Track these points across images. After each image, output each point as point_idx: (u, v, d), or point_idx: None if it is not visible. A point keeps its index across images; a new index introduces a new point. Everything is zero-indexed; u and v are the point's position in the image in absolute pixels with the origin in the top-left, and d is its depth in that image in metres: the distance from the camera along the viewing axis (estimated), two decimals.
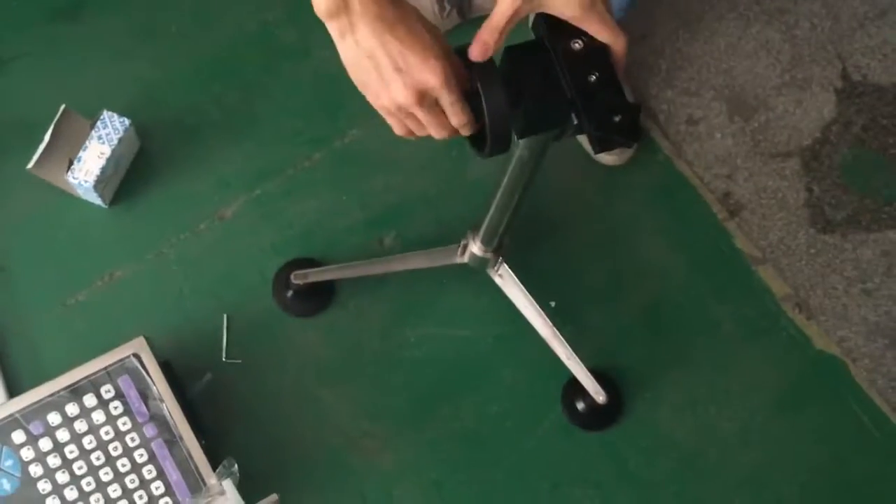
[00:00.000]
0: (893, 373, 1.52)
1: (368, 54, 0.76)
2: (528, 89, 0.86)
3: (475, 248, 1.34)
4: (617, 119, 0.82)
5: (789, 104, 1.69)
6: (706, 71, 1.70)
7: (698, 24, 1.74)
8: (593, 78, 0.83)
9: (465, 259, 1.38)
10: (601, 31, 0.81)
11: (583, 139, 1.54)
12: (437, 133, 0.84)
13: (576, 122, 0.87)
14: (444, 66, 0.77)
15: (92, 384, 1.20)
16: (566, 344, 1.38)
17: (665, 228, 1.57)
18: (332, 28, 0.75)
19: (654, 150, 1.62)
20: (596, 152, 0.82)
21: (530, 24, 0.87)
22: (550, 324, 1.39)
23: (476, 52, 0.79)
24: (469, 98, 0.85)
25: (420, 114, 0.81)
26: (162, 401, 1.21)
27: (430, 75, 0.77)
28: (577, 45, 0.84)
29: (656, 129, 1.64)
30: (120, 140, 1.40)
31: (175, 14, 1.60)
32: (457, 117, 0.82)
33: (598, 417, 1.43)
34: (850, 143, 1.67)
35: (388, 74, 0.77)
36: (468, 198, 1.52)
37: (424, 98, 0.79)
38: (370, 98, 0.80)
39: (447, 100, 0.80)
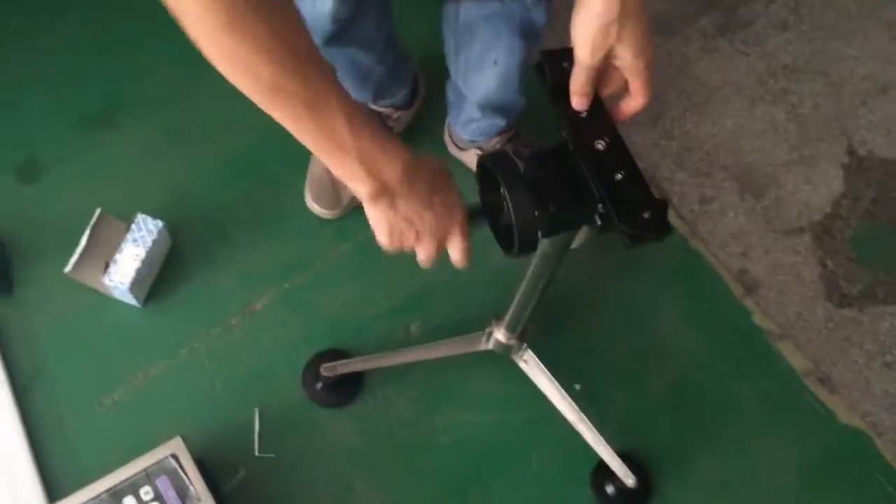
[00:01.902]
0: None
1: (406, 221, 0.82)
2: (554, 192, 0.91)
3: (499, 335, 1.37)
4: (647, 215, 0.85)
5: (798, 181, 1.74)
6: (716, 151, 1.75)
7: (705, 106, 1.80)
8: (619, 176, 0.86)
9: (490, 346, 1.41)
10: (645, 86, 0.85)
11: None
12: (429, 262, 0.90)
13: (599, 222, 0.91)
14: (465, 223, 0.87)
15: (131, 486, 1.22)
16: (593, 427, 1.40)
17: (684, 307, 1.61)
18: (371, 204, 0.80)
19: (671, 233, 1.66)
20: (628, 248, 0.85)
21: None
22: (576, 407, 1.41)
23: (580, 104, 0.86)
24: (493, 208, 0.89)
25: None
26: (199, 500, 1.23)
27: (456, 234, 0.87)
28: (601, 145, 0.88)
29: (670, 210, 1.68)
30: (154, 242, 1.45)
31: (202, 115, 1.67)
32: (462, 256, 0.90)
33: (629, 501, 1.44)
34: (861, 217, 1.71)
35: (423, 236, 0.84)
36: (491, 284, 1.56)
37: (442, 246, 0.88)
38: (390, 244, 0.85)
39: (460, 246, 0.88)
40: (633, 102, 0.87)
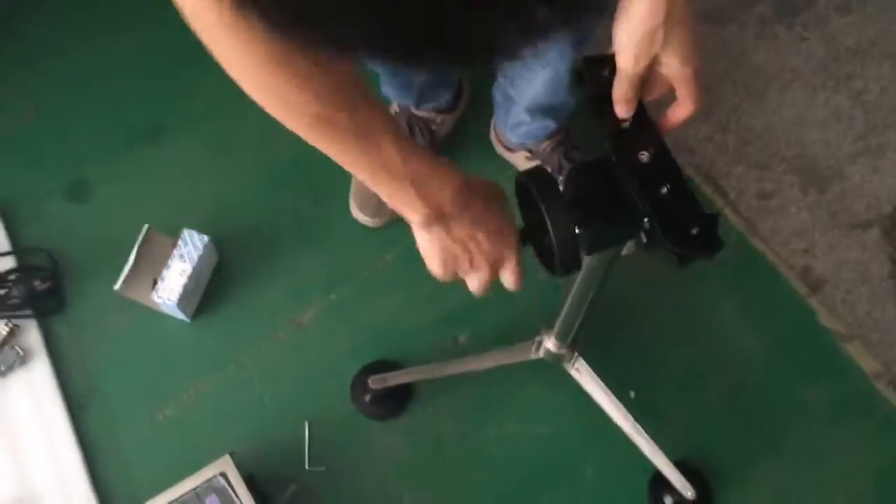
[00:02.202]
0: None
1: (460, 245, 0.79)
2: (596, 208, 0.87)
3: (550, 344, 1.34)
4: (694, 231, 0.79)
5: (865, 172, 1.65)
6: (775, 143, 1.67)
7: (763, 96, 1.72)
8: (665, 190, 0.81)
9: (541, 355, 1.37)
10: (694, 93, 0.80)
11: None
12: (484, 290, 0.87)
13: (645, 239, 0.86)
14: (519, 244, 0.84)
15: None
16: (649, 438, 1.35)
17: (744, 309, 1.54)
18: (424, 229, 0.78)
19: (727, 228, 1.59)
20: (678, 267, 0.80)
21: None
22: (631, 417, 1.36)
23: (623, 111, 0.81)
24: (534, 226, 0.85)
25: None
26: None
27: (510, 258, 0.84)
28: (645, 156, 0.83)
29: (728, 207, 1.61)
30: (200, 257, 1.45)
31: (244, 128, 1.66)
32: (516, 279, 0.87)
33: None
34: None
35: (477, 260, 0.82)
36: (540, 291, 1.50)
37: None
38: (444, 272, 0.82)
39: (513, 269, 0.85)
40: (682, 110, 0.82)
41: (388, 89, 1.51)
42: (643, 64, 0.77)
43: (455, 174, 0.76)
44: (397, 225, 1.59)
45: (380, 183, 0.73)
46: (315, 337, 1.51)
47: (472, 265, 0.82)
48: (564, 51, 1.26)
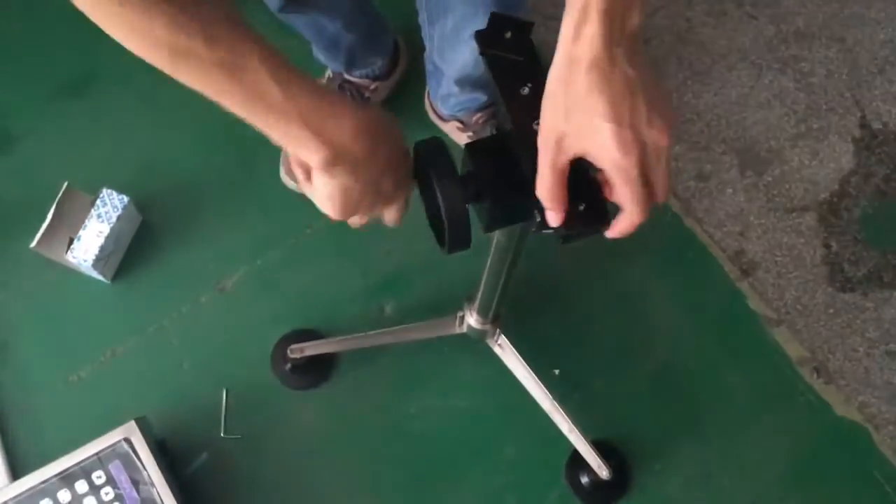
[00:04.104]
0: None
1: (364, 188, 0.73)
2: (491, 185, 0.84)
3: (472, 319, 1.32)
4: (581, 208, 0.74)
5: (805, 156, 1.63)
6: (716, 124, 1.65)
7: (708, 74, 1.70)
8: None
9: (464, 330, 1.36)
10: (637, 195, 0.66)
11: None
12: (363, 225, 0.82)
13: (539, 217, 0.84)
14: (413, 186, 0.81)
15: (83, 470, 1.20)
16: (567, 417, 1.34)
17: (674, 289, 1.53)
18: (325, 173, 0.69)
19: (662, 208, 1.57)
20: (561, 244, 0.76)
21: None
22: (550, 396, 1.35)
23: (556, 220, 0.72)
24: (429, 196, 0.83)
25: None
26: (153, 485, 1.21)
27: (402, 198, 0.80)
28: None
29: None
30: (119, 218, 1.41)
31: (175, 84, 1.61)
32: (399, 218, 0.83)
33: (603, 492, 1.38)
34: (871, 196, 1.61)
35: (376, 205, 0.77)
36: (468, 263, 1.48)
37: None
38: (343, 215, 0.76)
39: (401, 208, 0.81)
40: (621, 222, 0.70)
41: (317, 53, 1.47)
42: (550, 144, 0.67)
43: (353, 109, 0.68)
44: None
45: (265, 121, 0.66)
46: (238, 303, 1.48)
47: (369, 209, 0.77)
48: None
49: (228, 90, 0.64)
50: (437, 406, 1.44)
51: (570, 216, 0.73)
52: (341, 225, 1.58)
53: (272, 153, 1.56)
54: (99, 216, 1.41)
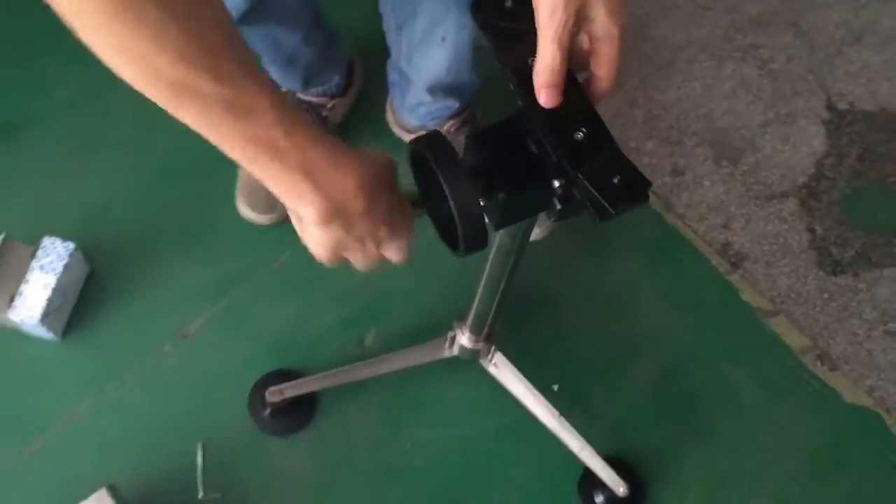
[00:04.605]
0: None
1: (359, 239, 0.67)
2: (502, 176, 0.75)
3: (464, 339, 1.23)
4: (616, 180, 0.67)
5: (777, 142, 1.60)
6: (685, 117, 1.61)
7: (670, 68, 1.66)
8: (580, 135, 0.69)
9: (455, 352, 1.27)
10: (615, 60, 0.69)
11: None
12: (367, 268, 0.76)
13: (559, 205, 0.76)
14: (414, 226, 0.74)
15: None
16: (576, 433, 1.26)
17: (665, 289, 1.46)
18: (320, 227, 0.64)
19: (644, 208, 1.51)
20: (598, 222, 0.68)
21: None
22: (556, 412, 1.27)
23: (549, 101, 0.68)
24: (433, 200, 0.74)
25: None
26: None
27: (404, 238, 0.73)
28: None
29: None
30: (65, 267, 1.28)
31: (115, 122, 1.50)
32: (403, 257, 0.75)
33: None
34: (848, 176, 1.58)
35: (372, 250, 0.70)
36: (450, 282, 1.41)
37: None
38: (332, 261, 0.70)
39: (403, 248, 0.74)
40: (600, 85, 0.70)
41: (271, 71, 1.38)
42: (566, 15, 0.64)
43: (357, 163, 0.63)
44: (291, 221, 1.45)
45: (265, 171, 0.60)
46: (206, 348, 1.36)
47: (364, 255, 0.70)
48: (464, 19, 1.15)
49: (230, 132, 0.57)
50: (433, 437, 1.33)
51: (608, 191, 0.66)
52: (308, 255, 1.48)
53: (227, 184, 1.46)
54: (42, 267, 1.28)
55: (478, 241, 0.75)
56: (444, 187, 0.70)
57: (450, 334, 1.25)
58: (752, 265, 1.49)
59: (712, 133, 1.60)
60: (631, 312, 1.44)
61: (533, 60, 0.70)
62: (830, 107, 1.64)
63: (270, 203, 1.42)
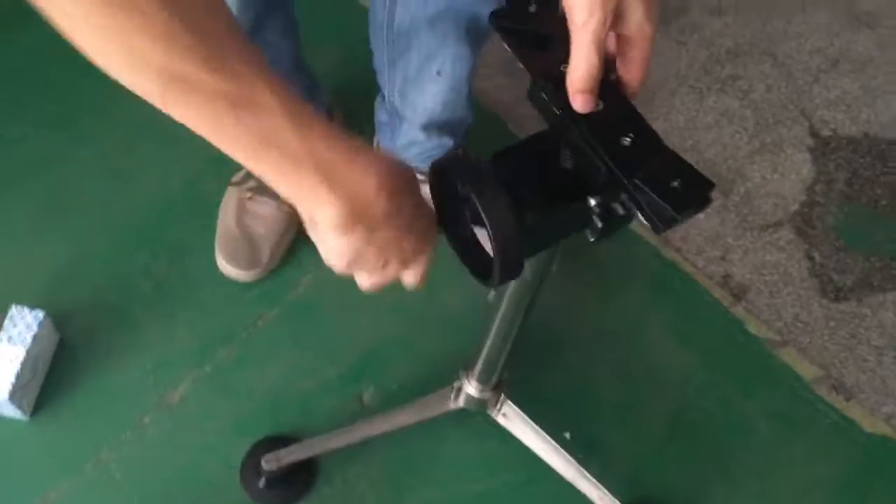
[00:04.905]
0: None
1: (379, 250, 0.61)
2: (535, 194, 0.69)
3: (471, 388, 1.15)
4: (675, 184, 0.61)
5: (765, 171, 1.58)
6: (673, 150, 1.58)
7: (652, 103, 1.64)
8: (627, 141, 0.63)
9: (461, 404, 1.19)
10: (645, 62, 0.64)
11: None
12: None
13: (600, 223, 0.70)
14: (435, 242, 0.68)
15: None
16: (595, 481, 1.18)
17: (670, 325, 1.41)
18: (340, 234, 0.58)
19: (639, 244, 1.47)
20: (659, 232, 0.62)
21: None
22: (573, 461, 1.19)
23: (586, 106, 0.63)
24: (456, 227, 0.68)
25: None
26: None
27: (424, 257, 0.66)
28: (596, 104, 0.64)
29: (635, 221, 1.49)
30: (35, 338, 1.18)
31: (83, 182, 1.42)
32: (421, 280, 0.68)
33: None
34: (839, 201, 1.56)
35: (392, 266, 0.64)
36: (450, 329, 1.34)
37: None
38: (344, 271, 0.63)
39: (423, 269, 0.68)
40: (627, 89, 0.65)
41: None
42: (602, 15, 0.59)
43: (377, 160, 0.57)
44: (275, 275, 1.37)
45: (275, 173, 0.54)
46: (190, 417, 1.26)
47: (382, 271, 0.63)
48: (461, 52, 1.10)
49: (232, 129, 0.51)
50: (442, 497, 1.25)
51: (670, 196, 0.60)
52: (298, 311, 1.40)
53: (204, 240, 1.37)
54: (10, 339, 1.17)
55: (516, 271, 0.68)
56: (481, 211, 0.64)
57: (455, 385, 1.17)
58: (754, 296, 1.45)
59: (701, 165, 1.56)
60: (637, 351, 1.38)
61: (565, 66, 0.65)
62: (814, 133, 1.63)
63: (252, 257, 1.34)
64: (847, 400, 1.37)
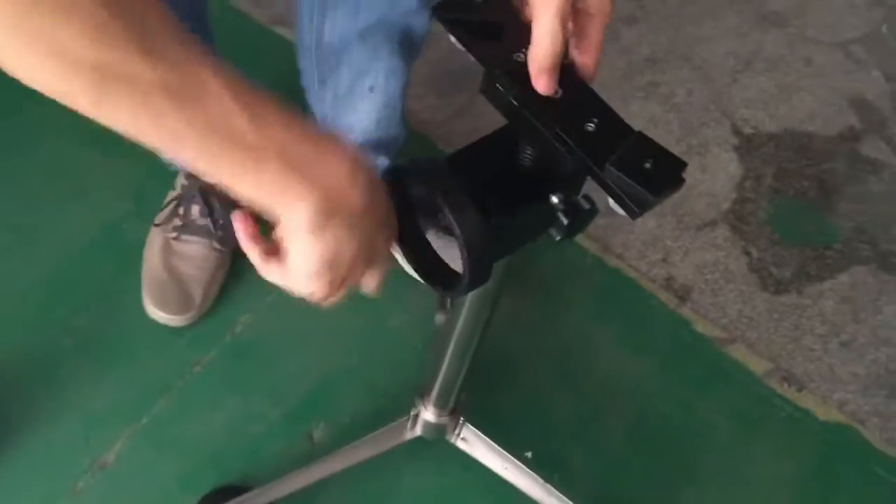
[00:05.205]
0: None
1: (355, 252, 0.55)
2: (493, 197, 0.66)
3: (428, 414, 1.11)
4: (648, 166, 0.59)
5: (695, 171, 1.59)
6: None
7: None
8: (592, 126, 0.61)
9: (418, 432, 1.14)
10: (601, 37, 0.62)
11: None
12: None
13: (565, 219, 0.67)
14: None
15: None
16: (566, 499, 1.15)
17: (620, 333, 1.39)
18: (316, 232, 0.52)
19: (581, 253, 1.46)
20: (635, 217, 0.59)
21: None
22: (540, 479, 1.15)
23: (549, 86, 0.59)
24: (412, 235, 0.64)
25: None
26: None
27: (384, 260, 0.61)
28: (555, 91, 0.61)
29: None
30: None
31: None
32: (379, 285, 0.63)
33: None
34: (769, 196, 1.58)
35: (359, 271, 0.58)
36: (398, 356, 1.30)
37: None
38: (328, 292, 0.57)
39: (382, 273, 0.62)
40: (583, 73, 0.62)
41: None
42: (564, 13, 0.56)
43: (343, 145, 0.51)
44: (210, 317, 1.30)
45: (230, 168, 0.47)
46: (129, 477, 1.17)
47: (355, 276, 0.58)
48: (394, 66, 1.07)
49: (177, 126, 0.45)
50: None
51: (645, 178, 0.57)
52: (237, 352, 1.33)
53: (129, 288, 1.29)
54: None
55: (485, 276, 0.65)
56: (450, 215, 0.60)
57: (412, 412, 1.12)
58: (698, 296, 1.45)
59: None
60: (590, 363, 1.36)
61: (519, 55, 0.62)
62: (737, 132, 1.65)
63: (184, 300, 1.26)
64: (799, 391, 1.37)
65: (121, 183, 1.40)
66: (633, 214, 0.58)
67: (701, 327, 1.41)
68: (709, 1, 1.84)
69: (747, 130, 1.66)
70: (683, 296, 1.44)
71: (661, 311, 1.42)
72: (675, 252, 1.49)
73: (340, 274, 0.55)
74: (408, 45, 1.06)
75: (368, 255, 0.56)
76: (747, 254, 1.50)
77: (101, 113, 0.44)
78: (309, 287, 0.55)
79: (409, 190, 0.65)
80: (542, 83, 0.59)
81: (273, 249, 0.56)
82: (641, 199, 0.58)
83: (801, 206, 1.58)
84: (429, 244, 0.68)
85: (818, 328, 1.44)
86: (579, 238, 1.47)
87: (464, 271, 0.63)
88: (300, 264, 0.53)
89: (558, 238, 0.70)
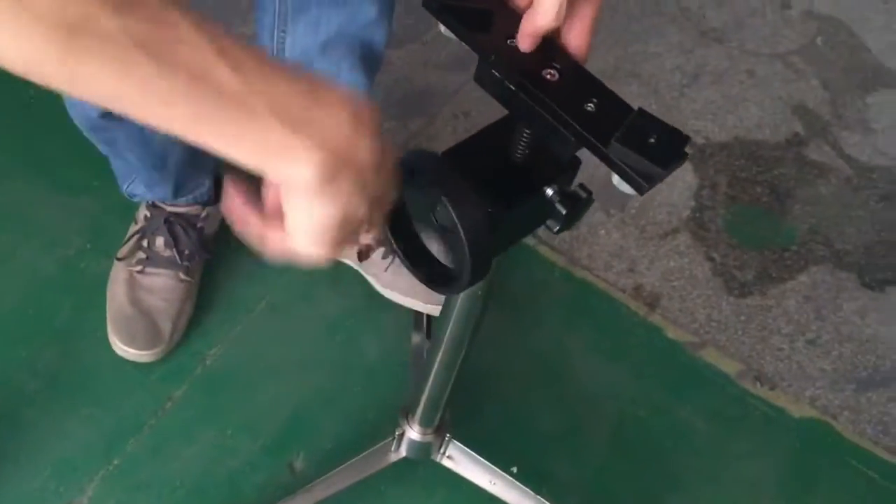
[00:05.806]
0: (876, 415, 1.39)
1: (373, 203, 0.50)
2: (493, 187, 0.66)
3: (413, 433, 1.09)
4: (653, 140, 0.59)
5: None
6: None
7: None
8: (591, 106, 0.62)
9: (403, 453, 1.12)
10: (595, 18, 0.63)
11: None
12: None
13: (563, 210, 0.68)
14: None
15: None
16: None
17: (593, 343, 1.40)
18: (322, 189, 0.46)
19: (549, 268, 1.46)
20: (643, 192, 0.59)
21: None
22: (530, 492, 1.14)
23: (530, 48, 0.60)
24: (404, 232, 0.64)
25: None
26: None
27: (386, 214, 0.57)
28: (551, 74, 0.62)
29: (542, 245, 1.49)
30: None
31: None
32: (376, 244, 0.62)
33: None
34: (725, 203, 1.61)
35: (361, 232, 0.53)
36: (374, 377, 1.28)
37: None
38: (333, 245, 0.51)
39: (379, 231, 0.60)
40: (577, 45, 0.63)
41: (138, 181, 1.22)
42: None
43: (341, 92, 0.46)
44: (180, 351, 1.26)
45: (217, 128, 0.43)
46: None
47: (357, 234, 0.53)
48: (355, 79, 1.06)
49: (153, 81, 0.40)
50: None
51: (651, 153, 0.58)
52: (207, 386, 1.30)
53: (94, 325, 1.25)
54: None
55: (485, 271, 0.64)
56: (450, 208, 0.60)
57: (397, 432, 1.10)
58: (667, 302, 1.46)
59: (593, 183, 1.56)
60: (567, 374, 1.36)
61: (512, 41, 0.62)
62: (690, 143, 1.68)
63: (152, 334, 1.23)
64: (771, 389, 1.39)
65: (76, 219, 1.37)
66: (640, 189, 0.59)
67: (672, 333, 1.43)
68: (651, 19, 1.89)
69: (699, 141, 1.70)
70: (652, 303, 1.46)
71: (632, 319, 1.44)
72: (640, 261, 1.50)
73: (348, 232, 0.50)
74: (369, 59, 1.06)
75: (378, 209, 0.52)
76: (710, 259, 1.53)
77: (73, 81, 0.40)
78: (314, 245, 0.50)
79: (402, 189, 0.65)
80: (527, 42, 0.60)
81: (272, 214, 0.51)
82: (649, 173, 0.58)
83: (757, 211, 1.62)
84: (419, 242, 0.68)
85: (784, 328, 1.47)
86: (545, 252, 1.48)
87: (464, 266, 0.62)
88: (305, 228, 0.48)
89: (556, 229, 0.71)
